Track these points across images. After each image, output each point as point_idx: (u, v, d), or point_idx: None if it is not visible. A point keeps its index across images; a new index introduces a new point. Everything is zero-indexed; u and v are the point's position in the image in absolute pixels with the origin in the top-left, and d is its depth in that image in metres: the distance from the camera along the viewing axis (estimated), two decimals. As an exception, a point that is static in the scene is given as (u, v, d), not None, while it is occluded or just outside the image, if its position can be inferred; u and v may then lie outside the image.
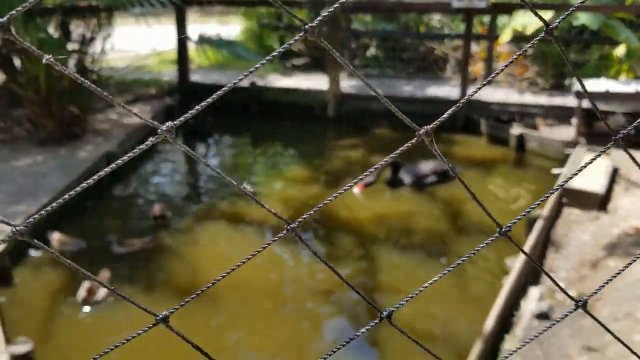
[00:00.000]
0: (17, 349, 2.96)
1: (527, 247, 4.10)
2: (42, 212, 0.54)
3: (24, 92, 6.30)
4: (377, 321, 0.64)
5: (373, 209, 5.34)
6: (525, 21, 7.34)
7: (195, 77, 8.76)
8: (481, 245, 0.66)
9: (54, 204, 0.54)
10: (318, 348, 3.59)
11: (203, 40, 7.18)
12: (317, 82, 8.79)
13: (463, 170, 6.46)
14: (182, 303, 0.58)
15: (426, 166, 5.92)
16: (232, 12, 14.55)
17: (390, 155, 0.55)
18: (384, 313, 0.63)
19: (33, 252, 4.37)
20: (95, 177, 0.53)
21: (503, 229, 0.66)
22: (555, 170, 5.82)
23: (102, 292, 3.74)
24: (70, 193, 0.53)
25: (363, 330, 0.66)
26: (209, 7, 12.12)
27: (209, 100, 0.55)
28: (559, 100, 7.69)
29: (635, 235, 4.15)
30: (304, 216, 0.60)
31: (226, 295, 3.94)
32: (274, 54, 0.58)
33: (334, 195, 0.61)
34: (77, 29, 6.99)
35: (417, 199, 5.62)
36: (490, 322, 3.28)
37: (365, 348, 3.61)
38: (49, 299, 3.88)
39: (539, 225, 4.37)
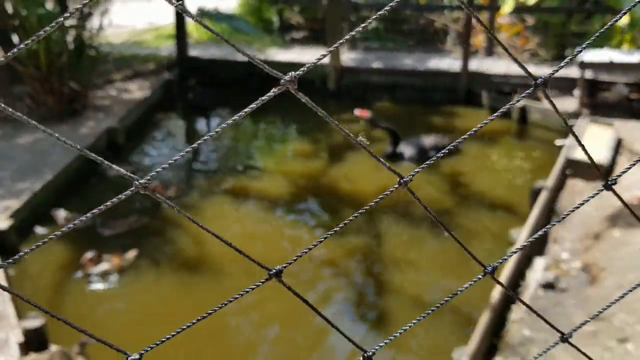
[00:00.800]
0: (29, 323, 2.99)
1: (531, 218, 4.13)
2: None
3: (24, 68, 6.25)
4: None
5: (376, 182, 5.34)
6: (527, -9, 7.27)
7: (193, 52, 8.68)
8: (466, 286, 0.65)
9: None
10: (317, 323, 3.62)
11: (202, 13, 7.10)
12: (317, 55, 8.72)
13: (465, 142, 6.44)
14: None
15: (427, 140, 5.90)
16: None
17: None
18: (369, 353, 0.63)
19: (39, 229, 4.38)
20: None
21: (487, 269, 0.65)
22: (558, 142, 5.82)
23: (104, 265, 3.79)
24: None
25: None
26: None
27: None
28: (561, 72, 7.65)
29: (638, 205, 4.17)
30: (289, 262, 0.59)
31: (230, 269, 3.97)
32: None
33: (321, 239, 0.60)
34: (75, 4, 6.89)
35: (422, 171, 5.61)
36: (497, 293, 3.31)
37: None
38: (56, 274, 3.90)
39: (543, 196, 4.39)
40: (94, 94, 7.19)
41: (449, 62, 8.21)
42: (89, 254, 3.89)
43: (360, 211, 0.62)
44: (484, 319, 3.10)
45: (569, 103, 6.62)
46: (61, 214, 4.41)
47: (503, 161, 6.04)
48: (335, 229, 0.61)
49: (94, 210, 0.54)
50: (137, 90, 7.54)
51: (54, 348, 2.97)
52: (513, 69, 7.90)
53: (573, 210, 0.60)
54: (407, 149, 5.80)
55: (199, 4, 8.27)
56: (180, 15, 8.34)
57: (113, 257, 3.93)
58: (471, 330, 3.13)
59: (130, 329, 3.45)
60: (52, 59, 6.23)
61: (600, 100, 6.34)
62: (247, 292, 0.60)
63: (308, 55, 8.84)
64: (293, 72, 0.50)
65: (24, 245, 4.19)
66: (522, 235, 3.95)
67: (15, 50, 0.49)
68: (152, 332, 3.37)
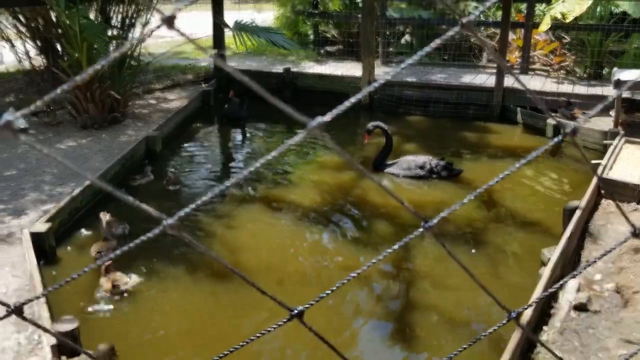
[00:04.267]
0: (62, 326, 3.02)
1: (564, 237, 4.08)
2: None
3: (67, 77, 6.47)
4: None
5: (407, 197, 5.36)
6: (565, 9, 7.22)
7: (230, 63, 8.85)
8: (490, 331, 0.66)
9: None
10: (347, 331, 3.64)
11: (239, 26, 7.25)
12: (351, 69, 8.81)
13: (497, 159, 6.41)
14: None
15: (417, 159, 5.84)
16: (266, -1, 14.60)
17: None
18: None
19: (84, 231, 4.51)
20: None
21: (512, 315, 0.66)
22: (593, 161, 5.75)
23: (125, 282, 3.85)
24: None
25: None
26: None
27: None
28: (597, 90, 7.56)
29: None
30: (311, 302, 0.60)
31: (263, 280, 4.02)
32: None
33: (344, 280, 0.62)
34: (117, 15, 7.12)
35: (452, 188, 5.61)
36: (528, 313, 3.28)
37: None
38: (91, 277, 4.00)
39: (576, 216, 4.34)
40: (133, 103, 7.40)
41: (483, 78, 8.19)
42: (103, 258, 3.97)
43: (383, 254, 0.63)
44: (514, 340, 3.07)
45: (605, 122, 6.54)
46: (105, 217, 4.54)
47: (537, 179, 5.99)
48: (358, 270, 0.63)
49: (127, 247, 0.58)
50: (176, 100, 7.73)
51: (86, 352, 3.04)
52: (549, 86, 7.84)
53: (601, 257, 0.63)
54: (394, 164, 5.85)
55: (236, 17, 8.43)
56: (219, 28, 8.53)
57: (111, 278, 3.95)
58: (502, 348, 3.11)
59: (162, 336, 3.51)
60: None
61: (637, 120, 6.25)
62: (268, 331, 0.61)
63: (342, 68, 8.93)
64: (320, 117, 0.53)
65: (61, 248, 4.30)
66: (554, 255, 3.90)
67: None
68: (180, 342, 3.43)
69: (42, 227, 4.15)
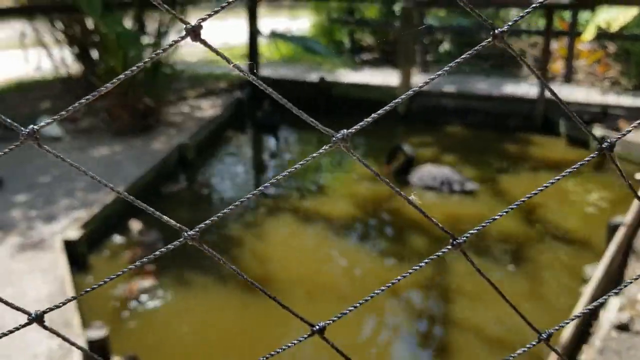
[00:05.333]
0: (93, 333, 3.01)
1: (607, 254, 3.87)
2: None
3: (101, 83, 6.49)
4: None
5: (444, 211, 5.18)
6: (610, 17, 6.94)
7: (265, 72, 8.80)
8: (519, 352, 0.66)
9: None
10: (380, 345, 3.50)
11: (274, 34, 7.18)
12: (387, 77, 8.66)
13: (539, 172, 6.17)
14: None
15: (440, 171, 5.67)
16: (302, 6, 14.58)
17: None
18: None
19: (117, 238, 4.49)
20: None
21: (542, 336, 0.64)
22: (639, 175, 5.46)
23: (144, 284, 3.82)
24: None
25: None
26: (278, 1, 12.17)
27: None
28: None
29: None
30: (333, 318, 0.59)
31: (293, 291, 3.91)
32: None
33: (368, 297, 0.60)
34: (152, 22, 7.14)
35: (491, 201, 5.41)
36: (567, 332, 3.10)
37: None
38: (122, 284, 3.96)
39: (621, 232, 4.11)
40: (167, 110, 7.39)
41: (525, 88, 7.93)
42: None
43: (411, 269, 0.62)
44: (553, 361, 2.89)
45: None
46: (135, 225, 4.50)
47: (579, 193, 5.73)
48: (383, 287, 0.61)
49: (146, 258, 0.57)
50: (209, 108, 7.70)
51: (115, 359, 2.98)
52: (593, 97, 7.55)
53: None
54: (416, 174, 5.67)
55: (271, 24, 8.39)
56: (254, 36, 8.50)
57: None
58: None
59: (189, 346, 3.43)
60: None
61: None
62: (288, 346, 0.61)
63: (378, 77, 8.79)
64: (345, 130, 0.53)
65: (93, 255, 4.29)
66: (597, 273, 3.69)
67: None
68: (206, 352, 3.35)
69: (74, 234, 4.16)
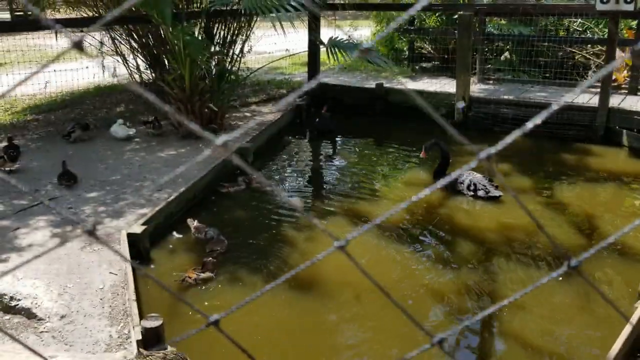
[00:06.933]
0: (148, 323, 3.21)
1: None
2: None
3: (170, 89, 6.89)
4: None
5: (496, 218, 5.18)
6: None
7: (324, 79, 9.01)
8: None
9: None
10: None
11: (333, 43, 7.38)
12: (445, 85, 8.69)
13: (599, 184, 6.05)
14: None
15: (470, 176, 5.67)
16: (363, 16, 14.74)
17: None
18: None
19: (176, 234, 4.78)
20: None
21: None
22: None
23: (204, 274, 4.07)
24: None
25: None
26: (341, 11, 12.39)
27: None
28: None
29: None
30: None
31: (342, 293, 4.04)
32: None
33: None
34: (220, 32, 7.49)
35: (545, 211, 5.37)
36: (617, 347, 3.07)
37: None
38: (180, 278, 4.20)
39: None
40: (230, 115, 7.73)
41: (586, 97, 7.78)
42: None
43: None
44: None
45: None
46: (194, 223, 4.78)
47: (640, 206, 5.59)
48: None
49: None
50: (269, 113, 7.98)
51: (169, 349, 3.20)
52: (660, 108, 7.31)
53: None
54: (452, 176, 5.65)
55: (333, 34, 8.58)
56: (314, 44, 8.73)
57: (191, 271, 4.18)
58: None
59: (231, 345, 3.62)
60: (196, 82, 6.81)
61: None
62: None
63: (436, 85, 8.83)
64: (491, 149, 0.52)
65: (155, 250, 4.58)
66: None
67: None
68: (256, 347, 3.52)
69: (138, 229, 4.44)
